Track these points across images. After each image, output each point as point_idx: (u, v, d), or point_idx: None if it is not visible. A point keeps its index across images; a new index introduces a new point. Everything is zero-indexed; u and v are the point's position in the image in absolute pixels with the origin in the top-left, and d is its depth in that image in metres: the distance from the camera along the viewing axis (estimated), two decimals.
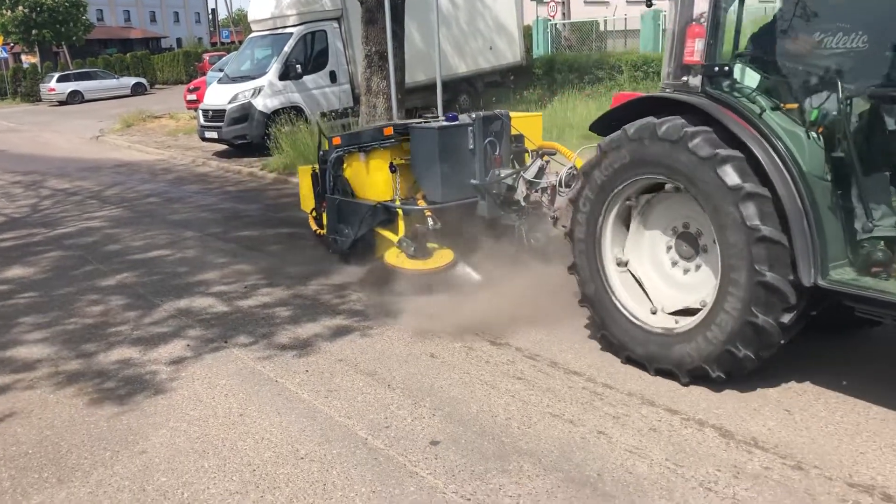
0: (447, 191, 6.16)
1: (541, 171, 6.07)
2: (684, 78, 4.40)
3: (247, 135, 14.79)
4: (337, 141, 6.79)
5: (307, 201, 7.56)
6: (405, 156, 6.41)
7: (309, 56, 15.21)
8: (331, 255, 7.44)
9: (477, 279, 5.88)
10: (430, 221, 6.17)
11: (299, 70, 14.99)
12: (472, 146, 6.15)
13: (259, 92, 14.89)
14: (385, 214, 6.41)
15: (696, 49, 4.31)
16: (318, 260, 7.28)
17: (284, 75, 14.96)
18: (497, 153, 6.25)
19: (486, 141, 6.17)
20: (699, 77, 4.27)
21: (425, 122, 6.40)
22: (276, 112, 14.61)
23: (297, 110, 14.79)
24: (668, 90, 4.49)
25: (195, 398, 4.47)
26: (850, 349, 4.61)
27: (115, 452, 3.88)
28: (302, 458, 3.75)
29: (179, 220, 9.75)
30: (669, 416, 3.94)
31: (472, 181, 6.21)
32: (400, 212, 6.30)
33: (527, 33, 20.93)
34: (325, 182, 6.99)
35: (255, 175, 13.23)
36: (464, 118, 6.19)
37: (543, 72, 18.87)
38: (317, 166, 7.20)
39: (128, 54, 44.50)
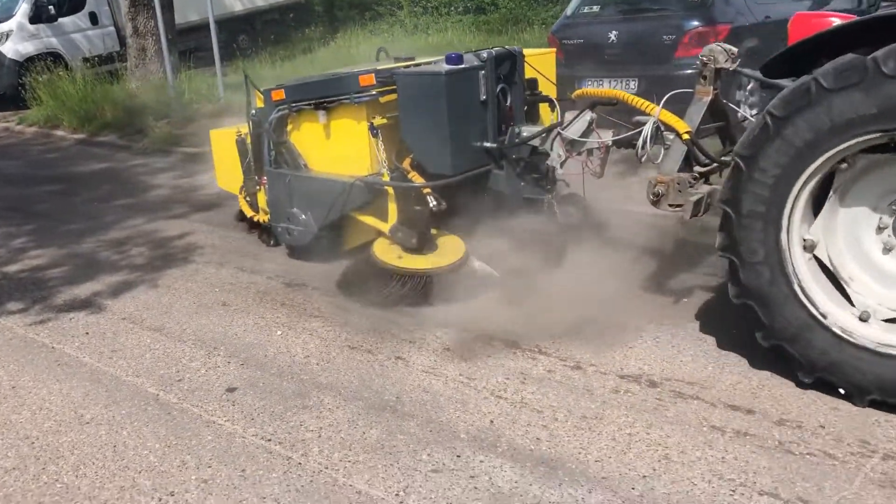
0: (458, 159, 4.54)
1: (588, 128, 4.48)
2: None
3: None
4: (279, 95, 4.99)
5: (229, 176, 5.76)
6: (388, 113, 4.69)
7: None
8: (106, 210, 6.94)
9: (495, 276, 4.61)
10: (432, 201, 4.55)
11: (52, 11, 13.60)
12: (483, 96, 4.55)
13: (7, 37, 13.37)
14: (366, 194, 4.81)
15: None
16: (93, 216, 6.76)
17: (36, 17, 13.56)
18: (508, 104, 4.73)
19: (498, 89, 4.64)
20: None
21: (417, 66, 4.78)
22: (30, 59, 13.21)
23: (55, 57, 13.46)
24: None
25: None
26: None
27: None
28: (87, 423, 3.52)
29: None
30: (461, 335, 4.10)
31: (485, 143, 4.63)
32: (391, 191, 4.69)
33: None
34: (259, 151, 5.25)
35: (12, 130, 11.97)
36: (470, 59, 4.53)
37: (324, 9, 18.47)
38: (243, 129, 5.42)
39: None
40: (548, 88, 5.06)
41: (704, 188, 3.92)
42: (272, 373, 3.88)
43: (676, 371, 3.61)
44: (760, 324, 3.39)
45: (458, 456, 3.08)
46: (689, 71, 7.26)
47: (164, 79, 11.53)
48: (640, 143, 4.04)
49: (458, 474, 2.97)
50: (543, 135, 4.54)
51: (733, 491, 2.76)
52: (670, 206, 3.88)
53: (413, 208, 4.60)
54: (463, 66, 4.45)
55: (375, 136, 4.61)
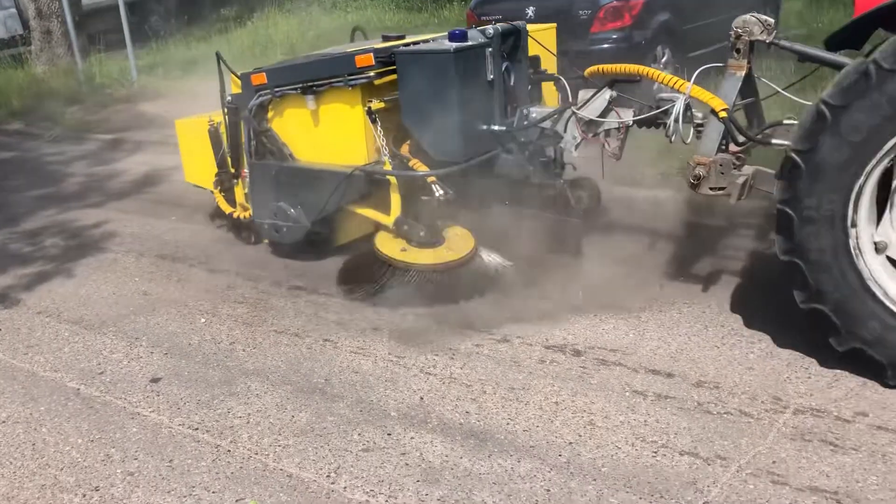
0: (467, 144, 4.17)
1: (608, 108, 4.13)
2: None
3: None
4: (260, 79, 4.56)
5: (199, 170, 5.27)
6: (385, 96, 4.29)
7: None
8: (17, 201, 6.67)
9: (507, 266, 4.30)
10: (439, 191, 4.18)
11: None
12: (490, 76, 4.20)
13: None
14: (365, 185, 4.41)
15: None
16: (1, 207, 6.48)
17: None
18: (513, 83, 4.40)
19: (503, 67, 4.31)
20: None
21: (416, 45, 4.33)
22: None
23: None
24: None
25: None
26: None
27: None
28: (3, 423, 3.40)
29: None
30: (390, 314, 4.10)
31: (493, 126, 4.25)
32: (393, 180, 4.32)
33: None
34: (236, 141, 4.83)
35: None
36: (475, 35, 4.15)
37: None
38: (216, 117, 4.98)
39: None
40: (548, 65, 4.76)
41: (749, 169, 3.66)
42: (197, 361, 3.81)
43: (599, 339, 3.70)
44: (835, 329, 3.17)
45: (389, 434, 3.10)
46: (606, 46, 7.42)
47: (72, 63, 11.08)
48: (670, 122, 3.78)
49: (389, 452, 2.99)
50: (556, 116, 4.22)
51: (655, 453, 2.86)
52: (711, 189, 3.61)
53: (420, 198, 4.26)
54: (469, 43, 4.09)
55: (374, 121, 4.24)
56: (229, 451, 3.08)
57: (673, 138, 3.85)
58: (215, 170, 5.08)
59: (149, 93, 10.73)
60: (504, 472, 2.82)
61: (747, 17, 3.65)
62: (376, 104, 4.24)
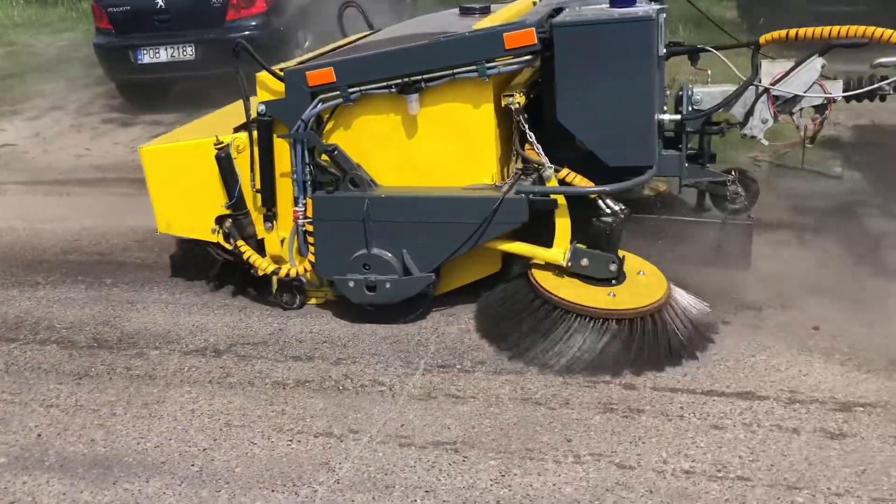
0: (655, 143, 3.31)
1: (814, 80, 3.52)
2: None
3: None
4: (323, 77, 3.37)
5: (186, 213, 3.81)
6: (517, 90, 3.35)
7: None
8: None
9: (706, 312, 3.38)
10: (616, 206, 3.30)
11: None
12: (662, 51, 3.43)
13: None
14: (520, 212, 3.29)
15: None
16: None
17: None
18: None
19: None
20: None
21: (576, 14, 3.32)
22: None
23: None
24: None
25: None
26: None
27: None
28: None
29: None
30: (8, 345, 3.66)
31: (664, 116, 3.40)
32: (562, 201, 3.32)
33: None
34: (269, 167, 3.54)
35: None
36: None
37: None
38: (225, 137, 3.64)
39: None
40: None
41: None
42: None
43: (242, 334, 3.61)
44: None
45: None
46: (248, 33, 7.25)
47: None
48: None
49: None
50: (735, 95, 3.53)
51: (290, 440, 2.83)
52: None
53: (599, 221, 3.28)
54: (643, 8, 3.23)
55: (520, 123, 3.29)
56: None
57: None
58: (222, 212, 3.71)
59: None
60: (130, 497, 2.62)
61: None
62: (519, 97, 3.27)
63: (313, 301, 3.81)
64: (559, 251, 3.29)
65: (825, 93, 3.51)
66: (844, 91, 3.51)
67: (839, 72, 3.62)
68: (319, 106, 3.42)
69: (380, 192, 3.45)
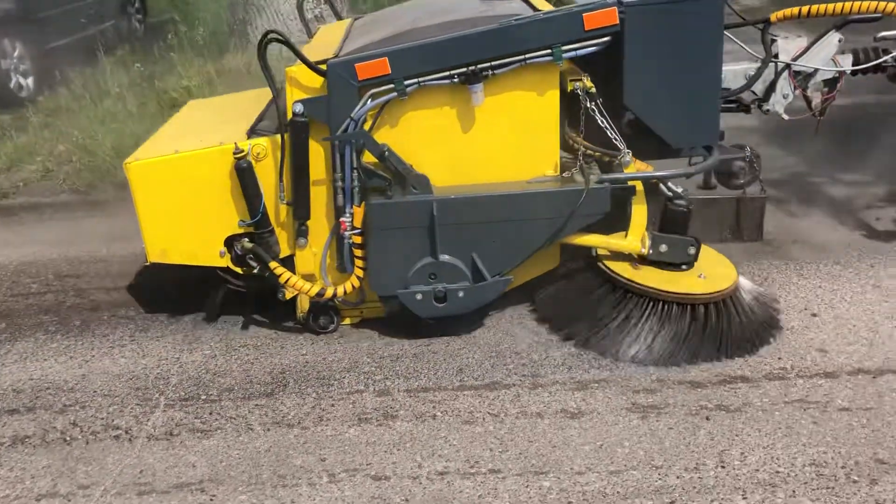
0: (718, 123, 3.28)
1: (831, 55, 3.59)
2: None
3: None
4: (377, 69, 2.97)
5: (189, 237, 3.22)
6: (581, 73, 3.13)
7: None
8: None
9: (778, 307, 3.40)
10: (680, 188, 3.25)
11: None
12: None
13: None
14: (601, 203, 3.11)
15: None
16: None
17: None
18: None
19: None
20: None
21: None
22: None
23: None
24: None
25: None
26: None
27: None
28: None
29: None
30: None
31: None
32: (639, 187, 3.17)
33: None
34: (302, 174, 3.08)
35: None
36: None
37: None
38: (244, 143, 3.10)
39: None
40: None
41: None
42: None
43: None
44: None
45: None
46: None
47: None
48: None
49: None
50: (758, 68, 3.55)
51: None
52: None
53: (674, 205, 3.21)
54: None
55: (592, 110, 3.07)
56: None
57: None
58: (234, 231, 3.21)
59: None
60: None
61: None
62: (587, 82, 3.08)
63: (347, 321, 3.44)
64: (636, 239, 3.21)
65: (838, 65, 3.65)
66: (855, 67, 3.67)
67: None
68: (370, 102, 3.05)
69: (448, 193, 3.13)
